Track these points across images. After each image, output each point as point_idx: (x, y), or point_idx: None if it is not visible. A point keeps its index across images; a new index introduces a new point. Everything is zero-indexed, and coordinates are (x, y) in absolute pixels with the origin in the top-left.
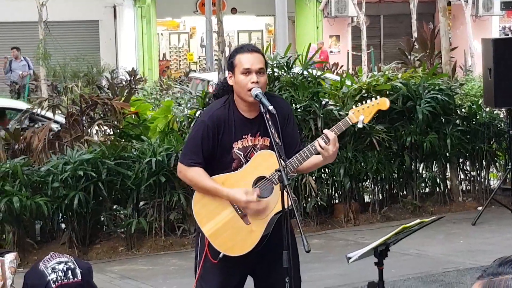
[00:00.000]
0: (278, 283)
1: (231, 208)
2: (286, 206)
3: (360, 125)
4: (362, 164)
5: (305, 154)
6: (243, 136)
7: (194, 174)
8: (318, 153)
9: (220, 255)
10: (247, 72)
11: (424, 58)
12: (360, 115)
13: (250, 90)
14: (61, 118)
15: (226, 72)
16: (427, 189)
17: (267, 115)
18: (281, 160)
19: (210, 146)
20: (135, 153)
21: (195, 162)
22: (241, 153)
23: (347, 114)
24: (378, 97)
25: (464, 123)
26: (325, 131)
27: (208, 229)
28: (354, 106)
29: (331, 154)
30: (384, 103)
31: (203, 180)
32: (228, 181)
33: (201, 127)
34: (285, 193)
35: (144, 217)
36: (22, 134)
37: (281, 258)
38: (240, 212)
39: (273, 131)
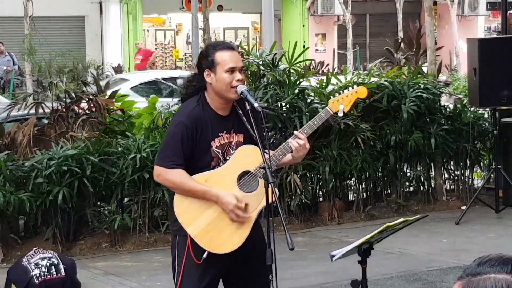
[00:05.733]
0: (252, 285)
1: (215, 206)
2: (270, 202)
3: (340, 114)
4: (347, 162)
5: (289, 146)
6: (219, 134)
7: (177, 177)
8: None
9: (204, 255)
10: (231, 70)
11: (409, 57)
12: (339, 104)
13: (234, 87)
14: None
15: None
16: (411, 188)
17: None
18: (265, 155)
19: (190, 147)
20: (119, 149)
21: (176, 164)
22: (219, 151)
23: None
24: (355, 86)
25: (449, 122)
26: (296, 132)
27: (193, 229)
28: (332, 97)
29: (301, 155)
30: (362, 91)
31: (188, 182)
32: (211, 179)
33: (180, 128)
34: (270, 190)
35: (128, 213)
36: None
37: (257, 259)
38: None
39: (253, 127)
